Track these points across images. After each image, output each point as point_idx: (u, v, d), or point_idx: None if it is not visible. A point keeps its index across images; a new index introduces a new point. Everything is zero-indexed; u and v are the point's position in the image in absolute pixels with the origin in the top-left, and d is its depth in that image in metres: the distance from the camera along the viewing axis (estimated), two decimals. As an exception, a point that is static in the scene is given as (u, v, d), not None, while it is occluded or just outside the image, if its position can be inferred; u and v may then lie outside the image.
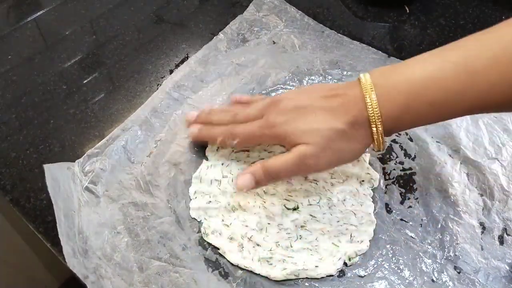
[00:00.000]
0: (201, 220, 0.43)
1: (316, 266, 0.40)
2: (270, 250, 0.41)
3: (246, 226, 0.42)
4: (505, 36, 0.35)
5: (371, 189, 0.45)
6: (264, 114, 0.42)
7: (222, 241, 0.42)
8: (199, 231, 0.42)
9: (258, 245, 0.41)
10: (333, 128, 0.38)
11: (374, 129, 0.38)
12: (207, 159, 0.47)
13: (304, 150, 0.39)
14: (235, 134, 0.42)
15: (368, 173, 0.46)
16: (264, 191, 0.44)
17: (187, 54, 0.57)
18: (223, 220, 0.43)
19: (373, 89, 0.37)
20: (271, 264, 0.40)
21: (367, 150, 0.47)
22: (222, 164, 0.46)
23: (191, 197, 0.44)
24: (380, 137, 0.38)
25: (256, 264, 0.40)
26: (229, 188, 0.44)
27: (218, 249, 0.41)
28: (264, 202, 0.43)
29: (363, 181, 0.45)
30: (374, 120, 0.37)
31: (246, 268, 0.40)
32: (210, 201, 0.44)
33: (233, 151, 0.47)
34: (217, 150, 0.47)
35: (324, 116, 0.39)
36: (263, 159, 0.45)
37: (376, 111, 0.37)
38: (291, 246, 0.41)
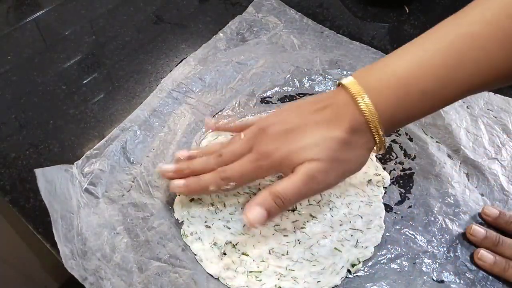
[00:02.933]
0: (183, 221, 0.41)
1: (318, 282, 0.37)
2: (262, 260, 0.37)
3: (231, 228, 0.40)
4: (476, 16, 0.35)
5: (382, 188, 0.44)
6: (253, 146, 0.38)
7: (201, 246, 0.39)
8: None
9: (245, 254, 0.39)
10: (333, 138, 0.36)
11: (374, 131, 0.36)
12: None
13: (311, 166, 0.36)
14: (228, 178, 0.38)
15: (377, 174, 0.44)
16: (259, 188, 0.42)
17: (186, 54, 0.57)
18: (206, 222, 0.40)
19: (363, 90, 0.36)
20: (260, 280, 0.37)
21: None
22: None
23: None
24: (382, 138, 0.37)
25: (240, 280, 0.37)
26: None
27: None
28: None
29: (370, 180, 0.44)
30: (373, 122, 0.36)
31: (227, 285, 0.37)
32: (192, 198, 0.42)
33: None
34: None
35: (320, 130, 0.37)
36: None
37: (373, 112, 0.35)
38: (287, 254, 0.38)
